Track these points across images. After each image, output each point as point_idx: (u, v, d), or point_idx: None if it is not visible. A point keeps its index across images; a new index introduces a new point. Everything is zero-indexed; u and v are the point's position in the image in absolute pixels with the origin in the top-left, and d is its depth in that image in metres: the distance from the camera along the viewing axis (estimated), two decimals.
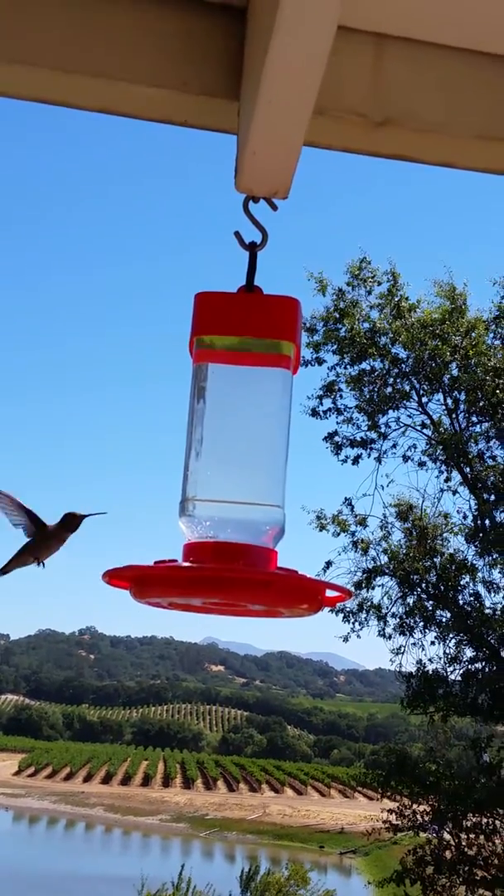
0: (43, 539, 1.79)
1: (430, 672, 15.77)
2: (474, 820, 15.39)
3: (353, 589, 15.33)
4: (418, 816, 15.78)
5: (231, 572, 1.16)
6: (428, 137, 1.30)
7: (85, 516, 1.79)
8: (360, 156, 1.32)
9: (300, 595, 1.20)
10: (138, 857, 45.38)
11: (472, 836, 15.40)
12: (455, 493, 16.01)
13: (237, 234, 1.25)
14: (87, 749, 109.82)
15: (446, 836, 15.54)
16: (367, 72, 1.26)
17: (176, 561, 1.19)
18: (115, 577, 1.18)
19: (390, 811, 16.15)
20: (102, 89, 1.22)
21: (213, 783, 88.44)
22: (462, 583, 15.61)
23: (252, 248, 1.25)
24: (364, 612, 15.73)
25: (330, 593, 1.20)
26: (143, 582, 1.19)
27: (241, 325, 1.23)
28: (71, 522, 1.79)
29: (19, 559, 1.85)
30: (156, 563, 1.18)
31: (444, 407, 16.15)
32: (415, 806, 15.97)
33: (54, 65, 1.20)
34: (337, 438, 16.12)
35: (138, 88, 1.22)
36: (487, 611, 15.48)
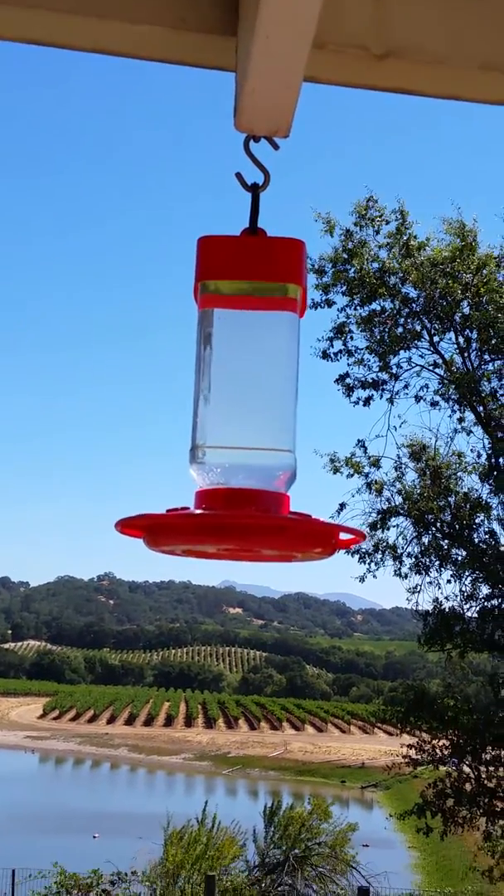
0: None
1: (447, 610, 15.89)
2: (493, 753, 15.64)
3: (367, 530, 15.40)
4: (437, 751, 16.03)
5: (244, 518, 1.16)
6: (431, 69, 1.26)
7: None
8: (363, 91, 1.28)
9: (314, 539, 1.20)
10: (163, 796, 46.42)
11: (491, 768, 15.66)
12: (469, 432, 15.97)
13: (238, 175, 1.22)
14: (109, 692, 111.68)
15: (466, 769, 15.77)
16: (368, 3, 1.22)
17: (188, 508, 1.19)
18: (128, 526, 1.17)
19: (410, 746, 16.41)
20: (95, 28, 1.19)
21: (234, 722, 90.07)
22: (477, 521, 15.65)
23: (254, 190, 1.22)
24: (379, 552, 15.81)
25: (344, 536, 1.20)
26: (155, 530, 1.18)
27: (245, 268, 1.21)
28: None
29: None
30: (168, 511, 1.18)
31: (455, 346, 16.02)
32: (434, 741, 16.21)
33: (44, 4, 1.16)
34: (348, 380, 16.02)
35: (133, 27, 1.18)
36: (502, 548, 15.55)
